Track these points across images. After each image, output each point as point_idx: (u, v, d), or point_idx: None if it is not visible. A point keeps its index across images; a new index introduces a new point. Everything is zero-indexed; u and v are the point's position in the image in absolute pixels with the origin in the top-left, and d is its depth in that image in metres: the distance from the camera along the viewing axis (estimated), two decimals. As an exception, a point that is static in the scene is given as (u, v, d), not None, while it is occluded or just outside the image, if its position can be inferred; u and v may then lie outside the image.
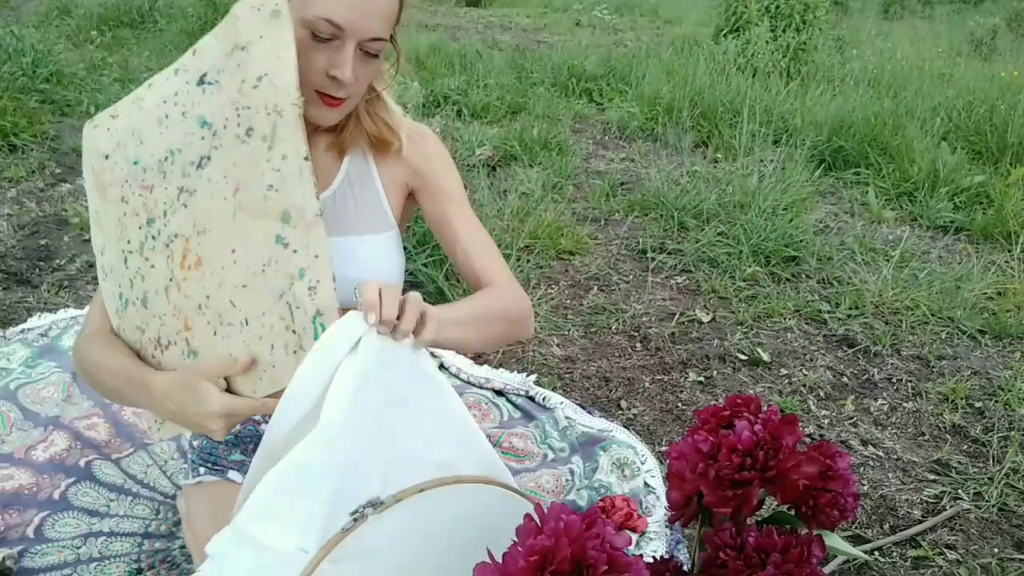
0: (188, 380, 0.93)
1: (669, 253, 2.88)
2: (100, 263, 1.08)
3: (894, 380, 2.20)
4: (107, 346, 1.05)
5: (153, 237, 1.01)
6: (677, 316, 2.45)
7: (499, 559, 0.72)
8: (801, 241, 2.92)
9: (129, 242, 1.04)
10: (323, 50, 0.96)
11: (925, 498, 1.74)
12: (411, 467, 0.86)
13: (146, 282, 1.02)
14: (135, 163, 1.02)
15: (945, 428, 2.00)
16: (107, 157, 1.05)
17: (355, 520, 0.80)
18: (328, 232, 0.93)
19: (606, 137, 4.46)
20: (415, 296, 0.86)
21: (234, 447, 1.20)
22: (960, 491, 1.77)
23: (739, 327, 2.42)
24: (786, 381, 2.16)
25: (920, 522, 1.66)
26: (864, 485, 1.76)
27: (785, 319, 2.49)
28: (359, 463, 0.81)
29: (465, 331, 0.98)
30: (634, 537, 1.24)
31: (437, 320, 0.86)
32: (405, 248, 1.21)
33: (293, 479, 0.78)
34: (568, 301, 2.52)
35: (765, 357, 2.25)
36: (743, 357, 2.26)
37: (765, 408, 0.70)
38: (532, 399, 1.65)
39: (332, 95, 0.99)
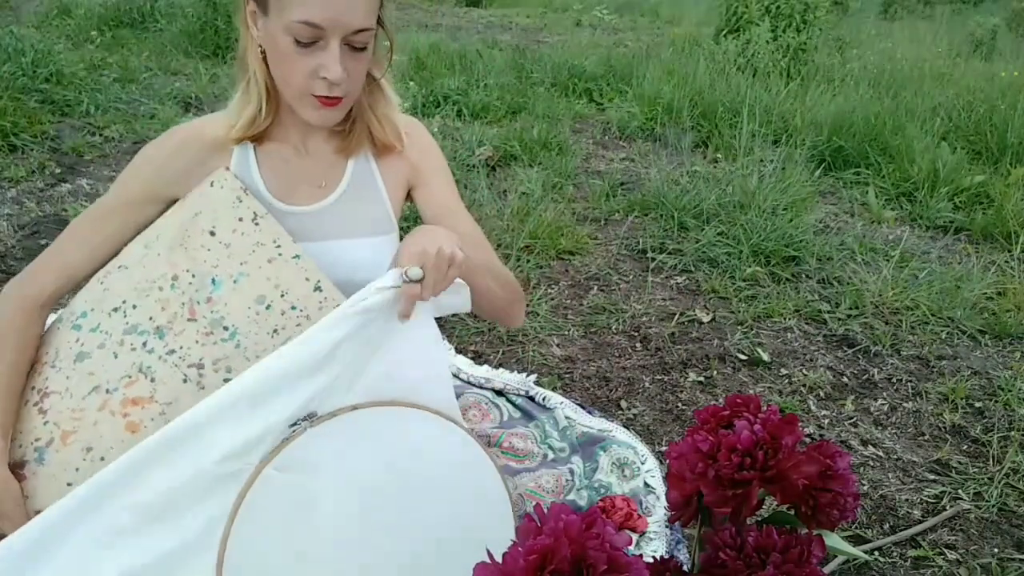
0: (10, 495, 0.91)
1: (669, 253, 2.88)
2: (112, 262, 1.02)
3: (894, 380, 2.20)
4: (18, 337, 0.99)
5: (143, 345, 0.95)
6: (677, 316, 2.45)
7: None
8: (801, 241, 2.92)
9: (134, 307, 0.97)
10: (310, 53, 0.94)
11: (925, 498, 1.74)
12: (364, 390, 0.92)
13: (93, 360, 0.96)
14: (212, 281, 0.97)
15: (945, 428, 2.00)
16: (212, 233, 0.99)
17: (293, 431, 0.86)
18: (334, 235, 0.97)
19: (606, 137, 4.46)
20: (448, 256, 0.91)
21: None
22: (960, 491, 1.77)
23: (739, 327, 2.42)
24: (786, 381, 2.16)
25: (920, 522, 1.66)
26: (864, 485, 1.76)
27: (785, 319, 2.49)
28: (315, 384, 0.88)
29: (474, 273, 1.03)
30: (634, 537, 1.24)
31: (461, 264, 0.94)
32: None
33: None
34: (568, 301, 2.52)
35: (765, 357, 2.25)
36: (743, 357, 2.26)
37: (765, 408, 0.70)
38: (532, 399, 1.64)
39: (327, 96, 0.99)
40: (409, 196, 1.20)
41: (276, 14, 0.93)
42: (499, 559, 0.57)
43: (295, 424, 0.87)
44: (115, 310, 0.99)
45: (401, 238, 1.19)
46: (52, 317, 1.08)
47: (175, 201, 1.07)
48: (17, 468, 0.95)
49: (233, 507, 0.83)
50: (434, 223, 1.17)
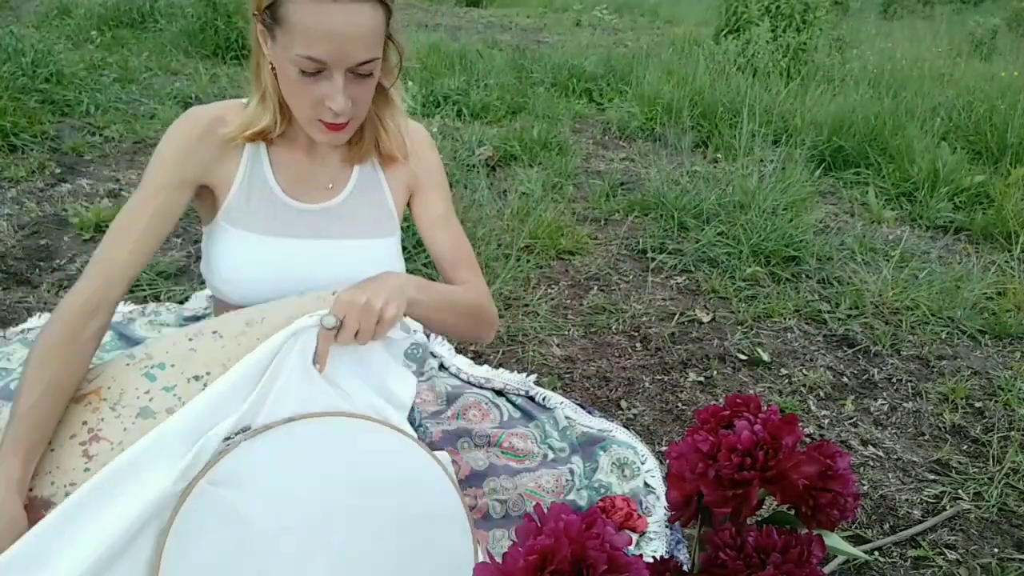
0: (12, 532, 0.81)
1: (669, 253, 2.88)
2: (206, 323, 0.98)
3: (894, 380, 2.20)
4: (61, 351, 0.92)
5: (163, 387, 0.92)
6: (677, 316, 2.45)
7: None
8: (801, 241, 2.92)
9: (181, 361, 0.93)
10: (315, 82, 0.97)
11: (925, 498, 1.74)
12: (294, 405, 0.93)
13: (156, 422, 0.90)
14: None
15: (945, 428, 2.00)
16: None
17: (228, 444, 0.86)
18: (340, 234, 1.02)
19: (606, 137, 4.46)
20: (376, 311, 0.95)
21: None
22: (960, 491, 1.77)
23: (739, 327, 2.42)
24: (786, 381, 2.16)
25: (920, 522, 1.66)
26: (864, 485, 1.76)
27: (785, 319, 2.49)
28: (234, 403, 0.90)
29: (429, 314, 1.08)
30: (634, 537, 1.24)
31: (392, 321, 0.97)
32: (404, 248, 1.24)
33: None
34: (568, 301, 2.52)
35: (765, 357, 2.25)
36: (743, 357, 2.26)
37: (765, 408, 0.70)
38: (532, 399, 1.65)
39: (332, 122, 1.00)
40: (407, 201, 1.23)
41: (282, 46, 0.96)
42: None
43: (229, 438, 0.86)
44: (196, 378, 0.92)
45: (403, 236, 1.20)
46: (116, 353, 1.06)
47: (202, 187, 1.08)
48: (41, 507, 0.85)
49: (167, 522, 0.82)
50: (426, 232, 1.22)
